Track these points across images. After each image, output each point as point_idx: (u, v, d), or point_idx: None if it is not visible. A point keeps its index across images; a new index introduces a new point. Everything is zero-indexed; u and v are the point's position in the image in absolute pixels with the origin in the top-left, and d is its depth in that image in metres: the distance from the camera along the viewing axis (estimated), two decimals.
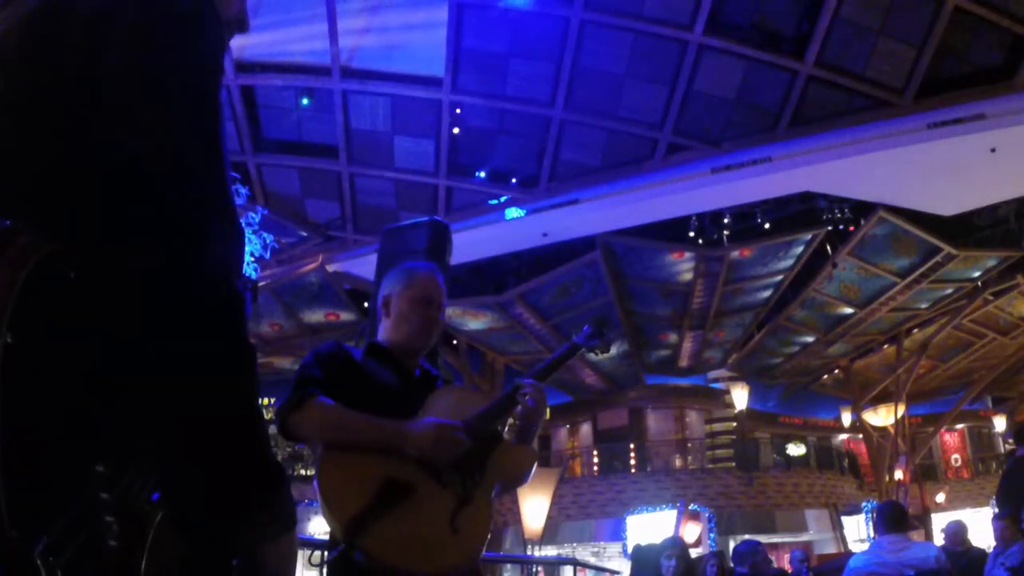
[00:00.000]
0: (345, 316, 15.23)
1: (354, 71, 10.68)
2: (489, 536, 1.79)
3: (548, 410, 21.56)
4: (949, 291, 15.75)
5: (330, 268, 13.29)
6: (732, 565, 5.46)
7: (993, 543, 5.29)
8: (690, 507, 16.22)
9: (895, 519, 4.29)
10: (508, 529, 17.16)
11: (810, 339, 17.97)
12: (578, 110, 10.97)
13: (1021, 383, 21.95)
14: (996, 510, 5.55)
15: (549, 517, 14.67)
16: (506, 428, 1.99)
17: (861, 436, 21.65)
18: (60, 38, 0.81)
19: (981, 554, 5.97)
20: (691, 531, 15.48)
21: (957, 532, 6.43)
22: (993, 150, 10.04)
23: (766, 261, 14.20)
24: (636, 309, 15.84)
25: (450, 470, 1.73)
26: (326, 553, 1.89)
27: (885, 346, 19.19)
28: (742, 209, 12.88)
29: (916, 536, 10.25)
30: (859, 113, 10.47)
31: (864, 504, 17.48)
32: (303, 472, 20.01)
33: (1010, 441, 22.23)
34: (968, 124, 9.83)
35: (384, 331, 2.08)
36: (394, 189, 12.35)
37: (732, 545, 17.36)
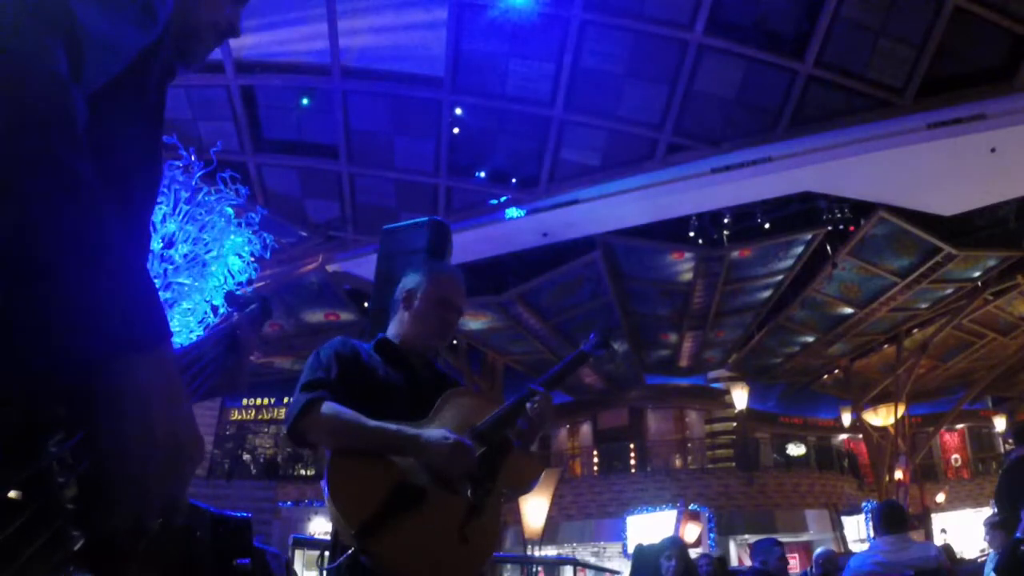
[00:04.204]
0: (345, 316, 15.24)
1: (354, 71, 10.68)
2: (496, 546, 1.79)
3: None
4: (949, 291, 15.74)
5: (330, 268, 13.29)
6: (748, 563, 5.48)
7: (987, 546, 5.26)
8: (690, 507, 16.22)
9: (894, 519, 4.29)
10: (508, 529, 17.17)
11: (810, 339, 17.97)
12: (578, 110, 10.96)
13: (1021, 383, 21.94)
14: (995, 510, 5.53)
15: (549, 517, 14.68)
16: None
17: (861, 436, 21.65)
18: None
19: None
20: (691, 531, 15.48)
21: (829, 559, 6.14)
22: (993, 150, 10.04)
23: (766, 261, 14.20)
24: (636, 309, 15.85)
25: (462, 478, 1.72)
26: (326, 554, 1.88)
27: (885, 346, 19.19)
28: (742, 209, 12.87)
29: (916, 536, 10.25)
30: (859, 113, 10.46)
31: (864, 504, 17.47)
32: (303, 472, 20.04)
33: (1010, 441, 22.22)
34: (968, 124, 9.83)
35: (398, 324, 2.06)
36: (394, 189, 12.35)
37: (732, 545, 17.43)
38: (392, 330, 2.08)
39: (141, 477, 0.67)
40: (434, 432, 1.74)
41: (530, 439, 1.98)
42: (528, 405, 1.89)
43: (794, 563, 17.83)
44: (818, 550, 6.37)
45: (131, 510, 0.68)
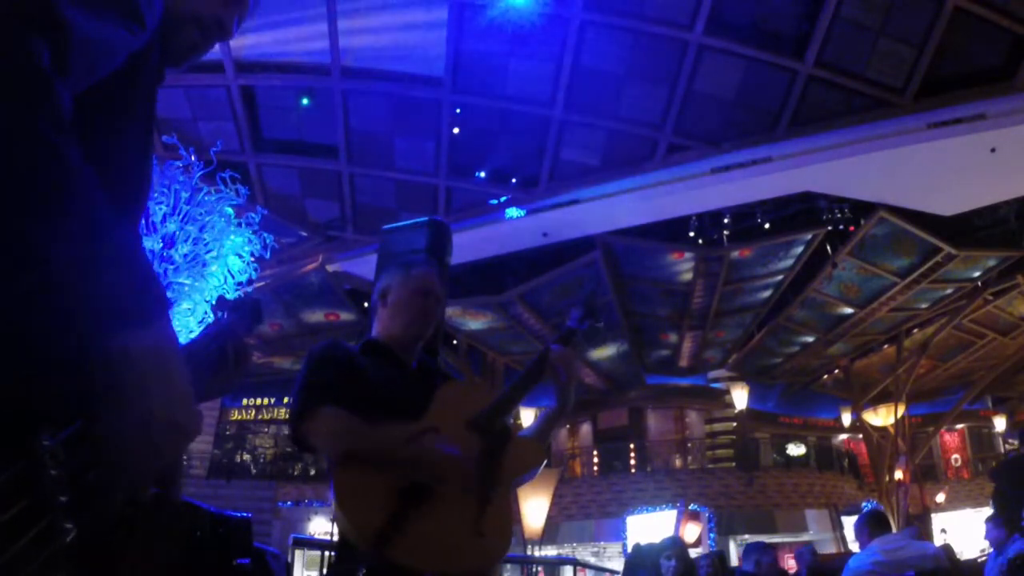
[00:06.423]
0: (345, 316, 15.24)
1: (354, 71, 10.68)
2: (511, 536, 1.77)
3: None
4: (949, 291, 15.75)
5: (330, 268, 13.29)
6: (740, 564, 5.48)
7: (988, 546, 5.25)
8: (690, 507, 16.22)
9: (882, 524, 4.29)
10: None
11: (810, 339, 17.97)
12: (578, 110, 10.96)
13: (1021, 383, 21.94)
14: (994, 510, 5.51)
15: (549, 517, 14.66)
16: (514, 422, 1.98)
17: (861, 436, 21.64)
18: None
19: None
20: (691, 531, 15.48)
21: (808, 555, 6.28)
22: (993, 150, 10.04)
23: (766, 261, 14.20)
24: (636, 309, 15.84)
25: (464, 479, 1.71)
26: (327, 554, 1.88)
27: (885, 346, 19.19)
28: (742, 209, 12.88)
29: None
30: (859, 113, 10.47)
31: (864, 504, 17.46)
32: (303, 472, 20.02)
33: (1011, 441, 22.23)
34: (968, 124, 9.83)
35: (380, 323, 2.06)
36: (394, 189, 12.35)
37: (732, 545, 17.42)
38: (376, 330, 2.06)
39: (140, 445, 0.68)
40: (426, 448, 1.71)
41: (566, 397, 1.96)
42: (549, 366, 1.90)
43: (793, 563, 17.83)
44: (797, 551, 6.39)
45: (128, 477, 0.69)
